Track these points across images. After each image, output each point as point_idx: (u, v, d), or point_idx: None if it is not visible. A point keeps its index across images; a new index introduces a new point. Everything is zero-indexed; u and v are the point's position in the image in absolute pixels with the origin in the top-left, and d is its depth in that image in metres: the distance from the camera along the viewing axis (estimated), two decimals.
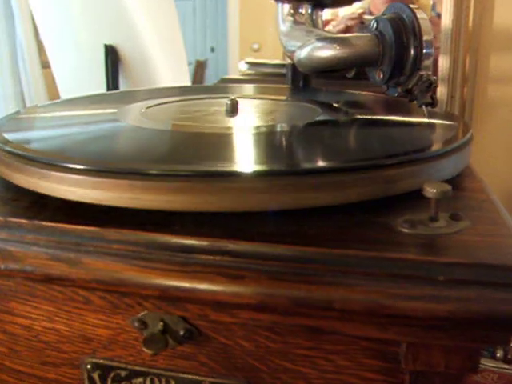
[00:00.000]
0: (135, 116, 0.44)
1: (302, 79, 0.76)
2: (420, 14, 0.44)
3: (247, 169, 0.31)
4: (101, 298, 0.32)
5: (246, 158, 0.34)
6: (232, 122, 0.45)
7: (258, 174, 0.30)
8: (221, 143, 0.37)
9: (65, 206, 0.32)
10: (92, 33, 1.27)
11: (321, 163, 0.32)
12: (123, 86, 1.36)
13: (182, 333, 0.33)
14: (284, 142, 0.38)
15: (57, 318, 0.36)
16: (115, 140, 0.38)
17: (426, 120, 0.45)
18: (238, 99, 0.48)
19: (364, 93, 0.61)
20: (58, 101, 0.56)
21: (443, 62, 0.84)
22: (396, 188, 0.32)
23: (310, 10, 0.72)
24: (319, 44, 0.48)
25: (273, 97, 0.57)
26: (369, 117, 0.47)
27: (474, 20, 0.84)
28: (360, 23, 2.28)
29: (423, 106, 0.44)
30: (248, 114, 0.47)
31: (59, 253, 0.30)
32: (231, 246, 0.27)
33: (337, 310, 0.25)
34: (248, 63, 1.11)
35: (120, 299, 0.31)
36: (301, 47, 0.50)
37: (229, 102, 0.47)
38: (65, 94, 1.36)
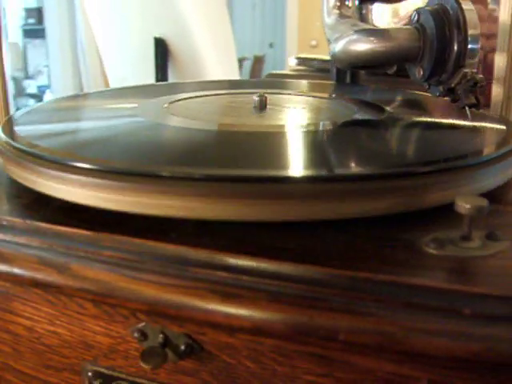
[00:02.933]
0: (156, 111, 0.42)
1: (349, 75, 0.72)
2: (466, 6, 0.40)
3: (260, 174, 0.27)
4: (95, 307, 0.30)
5: (256, 162, 0.31)
6: (255, 119, 0.42)
7: (271, 180, 0.27)
8: (236, 143, 0.34)
9: (64, 207, 0.30)
10: (142, 26, 1.27)
11: (336, 171, 0.28)
12: (172, 78, 1.35)
13: (182, 347, 0.30)
14: (303, 145, 0.35)
15: (58, 322, 0.34)
16: (127, 138, 0.35)
17: (470, 123, 0.40)
18: (267, 95, 0.44)
19: (413, 92, 0.56)
20: (82, 93, 0.54)
21: (499, 60, 0.78)
22: (424, 201, 0.28)
23: (356, 3, 0.68)
24: (355, 37, 0.44)
25: (306, 93, 0.54)
26: (403, 118, 0.43)
27: None
28: None
29: (466, 108, 0.40)
30: (273, 110, 0.44)
31: (49, 256, 0.28)
32: (228, 259, 0.24)
33: (342, 341, 0.22)
34: (298, 58, 1.09)
35: (114, 309, 0.29)
36: (336, 40, 0.46)
37: (257, 98, 0.44)
38: (114, 86, 1.38)
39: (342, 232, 0.27)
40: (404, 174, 0.28)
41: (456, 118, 0.42)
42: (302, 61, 1.10)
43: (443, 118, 0.44)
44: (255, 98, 0.44)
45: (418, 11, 0.44)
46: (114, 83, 1.35)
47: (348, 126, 0.40)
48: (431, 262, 0.25)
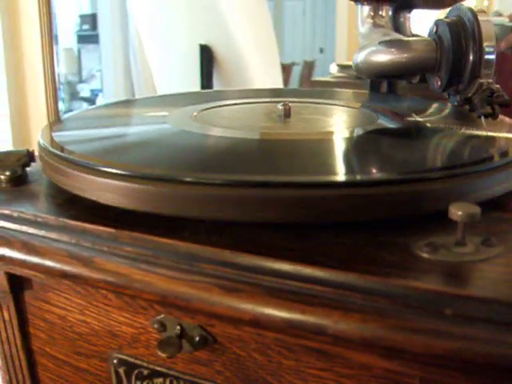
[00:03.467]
0: (185, 119, 0.44)
1: (387, 84, 0.73)
2: (482, 17, 0.41)
3: (263, 180, 0.30)
4: (117, 298, 0.33)
5: (261, 169, 0.33)
6: (272, 127, 0.44)
7: (274, 186, 0.29)
8: (252, 151, 0.36)
9: (92, 206, 0.33)
10: (188, 33, 1.31)
11: (338, 177, 0.30)
12: (217, 84, 1.39)
13: (197, 339, 0.33)
14: (316, 152, 0.37)
15: (87, 312, 0.37)
16: (154, 145, 0.38)
17: (481, 132, 0.41)
18: (291, 104, 0.46)
19: (440, 101, 0.57)
20: (120, 101, 0.58)
21: None
22: (426, 206, 0.30)
23: (390, 13, 0.69)
24: (375, 48, 0.46)
25: (331, 101, 0.55)
26: (417, 127, 0.44)
27: None
28: None
29: (482, 117, 0.41)
30: (296, 120, 0.46)
31: (76, 251, 0.31)
32: (231, 256, 0.26)
33: (330, 335, 0.24)
34: (339, 65, 1.10)
35: (134, 300, 0.32)
36: (359, 50, 0.48)
37: (281, 107, 0.46)
38: (161, 91, 1.42)
39: (345, 235, 0.29)
40: (403, 181, 0.29)
41: (469, 127, 0.43)
42: (342, 68, 1.11)
43: (456, 126, 0.45)
44: (279, 106, 0.46)
45: (437, 23, 0.45)
46: (161, 89, 1.40)
47: (360, 134, 0.41)
48: (422, 265, 0.26)
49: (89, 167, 0.32)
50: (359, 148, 0.38)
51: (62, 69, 3.71)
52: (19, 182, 0.39)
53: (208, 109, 0.48)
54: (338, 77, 1.09)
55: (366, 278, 0.25)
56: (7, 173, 0.38)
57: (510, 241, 0.29)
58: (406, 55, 0.44)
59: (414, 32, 0.97)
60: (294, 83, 3.83)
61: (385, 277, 0.25)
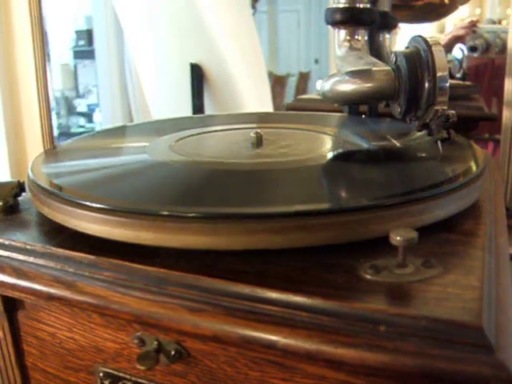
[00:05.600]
0: (163, 149, 0.48)
1: (368, 107, 0.76)
2: (436, 48, 0.44)
3: (226, 212, 0.33)
4: (100, 316, 0.36)
5: (222, 200, 0.36)
6: (245, 156, 0.47)
7: (234, 217, 0.33)
8: (217, 182, 0.40)
9: (75, 234, 0.37)
10: (179, 52, 1.35)
11: (292, 208, 0.34)
12: (208, 101, 1.43)
13: (172, 353, 0.36)
14: (274, 182, 0.40)
15: (75, 329, 0.40)
16: (132, 178, 0.42)
17: (436, 156, 0.45)
18: (264, 131, 0.50)
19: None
20: (109, 129, 0.61)
21: (508, 85, 0.81)
22: (368, 232, 0.33)
23: (366, 37, 0.72)
24: (339, 78, 0.49)
25: (303, 126, 0.59)
26: (376, 152, 0.47)
27: None
28: (472, 32, 2.20)
29: (438, 141, 0.44)
30: (266, 148, 0.49)
31: (61, 275, 0.34)
32: (194, 280, 0.30)
33: (280, 349, 0.27)
34: None
35: (114, 319, 0.35)
36: (326, 79, 0.52)
37: (253, 135, 0.50)
38: (154, 111, 1.46)
39: (298, 258, 0.32)
40: (348, 210, 0.33)
41: (423, 151, 0.46)
42: None
43: (411, 151, 0.48)
44: (252, 134, 0.50)
45: (396, 54, 0.48)
46: (153, 107, 1.43)
47: (316, 164, 0.45)
48: (365, 285, 0.30)
49: (69, 200, 0.36)
50: (313, 177, 0.41)
51: (59, 84, 3.76)
52: (11, 211, 0.42)
53: (185, 137, 0.52)
54: None
55: (312, 298, 0.28)
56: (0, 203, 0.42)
57: (450, 262, 0.33)
58: (367, 85, 0.47)
59: (394, 50, 1.01)
60: (290, 95, 3.86)
61: (328, 297, 0.28)
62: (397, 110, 0.48)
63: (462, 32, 2.22)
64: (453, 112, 0.45)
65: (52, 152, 0.51)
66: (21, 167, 1.29)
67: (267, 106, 1.45)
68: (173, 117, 0.65)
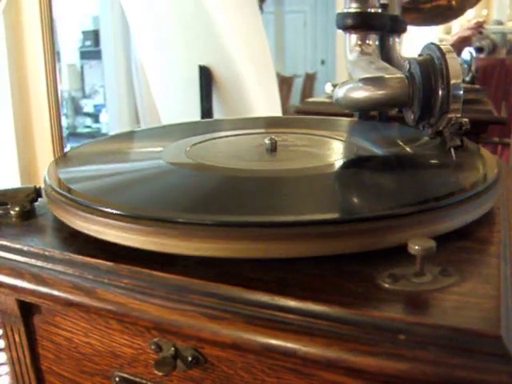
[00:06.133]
0: (179, 154, 0.48)
1: (378, 112, 0.76)
2: (450, 56, 0.44)
3: (245, 220, 0.33)
4: (118, 323, 0.36)
5: (242, 208, 0.37)
6: (259, 162, 0.47)
7: (255, 225, 0.33)
8: (237, 190, 0.40)
9: (94, 240, 0.37)
10: (188, 54, 1.35)
11: (312, 217, 0.34)
12: (216, 103, 1.43)
13: (189, 359, 0.36)
14: (292, 190, 0.40)
15: (91, 335, 0.41)
16: (149, 184, 0.42)
17: (446, 164, 0.45)
18: (275, 137, 0.50)
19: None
20: (106, 137, 0.62)
21: None
22: (388, 240, 0.33)
23: (377, 42, 0.73)
24: (353, 85, 0.50)
25: (318, 132, 0.59)
26: (388, 159, 0.47)
27: None
28: (478, 33, 2.20)
29: (451, 149, 0.45)
30: (280, 154, 0.49)
31: (80, 282, 0.34)
32: (214, 288, 0.30)
33: (299, 357, 0.28)
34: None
35: (132, 325, 0.35)
36: (340, 86, 0.52)
37: (268, 142, 0.50)
38: (162, 112, 1.46)
39: (316, 267, 0.33)
40: (367, 219, 0.33)
41: (436, 158, 0.47)
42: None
43: (424, 158, 0.48)
44: (266, 141, 0.50)
45: (409, 61, 0.49)
46: (162, 109, 1.44)
47: (331, 171, 0.45)
48: (383, 294, 0.30)
49: (89, 207, 0.36)
50: (330, 184, 0.42)
51: (66, 85, 3.78)
52: (28, 216, 0.43)
53: (200, 142, 0.52)
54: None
55: (331, 307, 0.28)
56: (17, 208, 0.42)
57: (466, 270, 0.33)
58: (381, 92, 0.48)
59: (403, 55, 1.01)
60: (296, 95, 3.87)
61: (347, 306, 0.28)
62: (410, 117, 0.49)
63: (468, 33, 2.22)
64: (466, 120, 0.45)
65: (67, 157, 0.51)
66: (30, 167, 1.30)
67: (276, 108, 1.45)
68: (184, 121, 0.65)
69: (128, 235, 0.34)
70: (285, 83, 3.68)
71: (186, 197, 0.39)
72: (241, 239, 0.32)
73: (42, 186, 0.45)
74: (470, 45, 2.07)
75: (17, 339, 0.44)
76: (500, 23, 2.74)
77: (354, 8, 0.67)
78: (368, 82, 0.49)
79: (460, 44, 2.03)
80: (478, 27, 2.22)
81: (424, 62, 0.47)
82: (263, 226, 0.32)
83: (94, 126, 3.91)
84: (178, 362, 0.37)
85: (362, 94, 0.49)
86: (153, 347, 0.37)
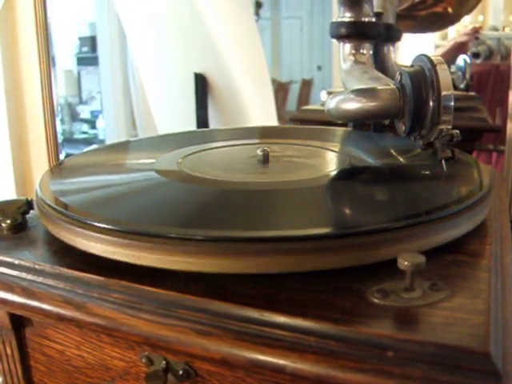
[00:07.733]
0: (170, 166, 0.48)
1: (372, 122, 0.76)
2: (440, 68, 0.44)
3: (235, 235, 0.33)
4: (108, 337, 0.36)
5: (230, 222, 0.37)
6: (251, 175, 0.47)
7: (244, 240, 0.33)
8: (228, 204, 0.40)
9: (84, 254, 0.37)
10: (183, 61, 1.36)
11: (300, 232, 0.34)
12: (211, 111, 1.43)
13: (180, 372, 0.36)
14: (282, 204, 0.40)
15: (83, 347, 0.40)
16: (140, 197, 0.42)
17: (435, 176, 0.45)
18: (268, 148, 0.50)
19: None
20: (100, 147, 0.62)
21: (511, 98, 0.82)
22: (378, 255, 0.33)
23: (371, 51, 0.73)
24: (344, 96, 0.50)
25: (312, 143, 0.59)
26: (380, 171, 0.47)
27: None
28: (475, 39, 2.21)
29: (443, 161, 0.45)
30: (273, 166, 0.49)
31: (70, 296, 0.34)
32: (204, 304, 0.30)
33: (289, 374, 0.28)
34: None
35: (123, 339, 0.35)
36: (331, 97, 0.52)
37: (260, 153, 0.50)
38: (158, 119, 1.46)
39: (307, 282, 0.33)
40: (357, 234, 0.33)
41: (429, 170, 0.47)
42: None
43: (416, 170, 0.49)
44: (259, 152, 0.50)
45: (400, 72, 0.49)
46: (157, 116, 1.44)
47: (321, 184, 0.45)
48: (372, 310, 0.30)
49: (78, 220, 0.36)
50: (320, 198, 0.42)
51: (63, 91, 3.78)
52: (19, 229, 0.43)
53: (192, 153, 0.52)
54: None
55: (320, 323, 0.28)
56: (8, 221, 0.42)
57: (457, 284, 0.33)
58: (372, 104, 0.48)
59: (399, 61, 1.02)
60: (293, 101, 3.87)
61: (336, 322, 0.28)
62: (401, 128, 0.49)
63: (464, 38, 2.23)
64: (457, 132, 0.45)
65: (60, 168, 0.51)
66: (25, 173, 1.30)
67: (271, 116, 1.45)
68: (179, 131, 0.65)
69: (116, 249, 0.34)
70: (281, 89, 3.69)
71: (175, 210, 0.39)
72: (230, 254, 0.32)
73: (34, 198, 0.45)
74: (466, 50, 2.07)
75: (8, 352, 0.43)
76: (496, 29, 2.76)
77: (347, 17, 0.67)
78: (359, 93, 0.49)
79: (456, 50, 2.04)
80: (475, 33, 2.23)
81: (415, 74, 0.47)
82: (252, 241, 0.32)
83: (91, 132, 3.91)
84: (169, 375, 0.37)
85: (353, 105, 0.49)
86: (144, 360, 0.37)
